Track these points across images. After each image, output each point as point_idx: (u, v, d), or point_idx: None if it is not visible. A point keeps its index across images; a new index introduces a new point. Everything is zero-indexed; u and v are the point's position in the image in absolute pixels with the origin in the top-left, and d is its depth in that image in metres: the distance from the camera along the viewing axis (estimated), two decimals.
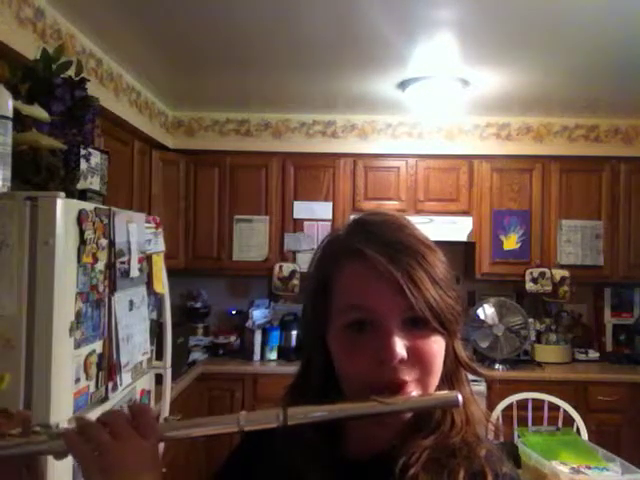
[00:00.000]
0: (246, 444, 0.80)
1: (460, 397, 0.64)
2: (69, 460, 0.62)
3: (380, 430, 0.68)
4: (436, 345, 0.66)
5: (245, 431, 0.63)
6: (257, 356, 3.72)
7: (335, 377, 0.68)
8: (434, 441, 0.67)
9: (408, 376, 0.64)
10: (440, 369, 0.68)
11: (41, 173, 1.60)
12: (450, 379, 0.71)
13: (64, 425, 0.68)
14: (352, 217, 0.74)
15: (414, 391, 0.65)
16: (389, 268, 0.63)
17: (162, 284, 2.20)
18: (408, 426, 0.67)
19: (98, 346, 1.62)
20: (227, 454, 0.83)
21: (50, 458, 0.64)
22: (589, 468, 2.02)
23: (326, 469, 0.68)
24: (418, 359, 0.65)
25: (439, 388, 0.69)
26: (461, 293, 0.71)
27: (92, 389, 1.58)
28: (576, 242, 3.77)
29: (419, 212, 3.79)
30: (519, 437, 2.35)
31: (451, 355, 0.71)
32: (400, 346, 0.63)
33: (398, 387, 0.64)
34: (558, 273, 3.71)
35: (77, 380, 1.50)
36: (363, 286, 0.65)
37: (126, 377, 1.81)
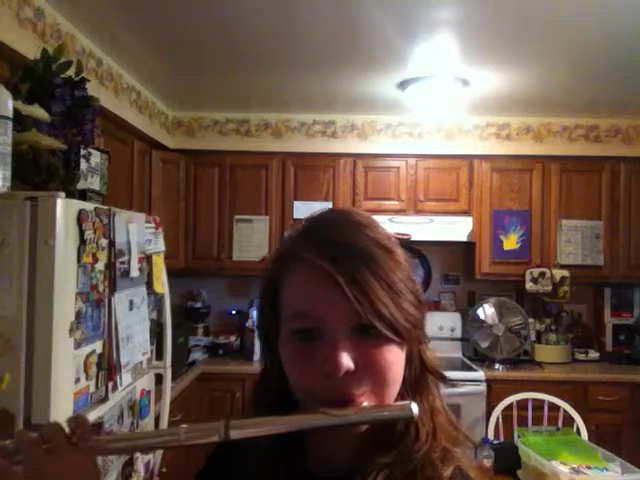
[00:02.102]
0: (222, 449, 0.78)
1: (415, 408, 0.60)
2: None
3: (338, 444, 0.65)
4: (390, 354, 0.61)
5: (184, 446, 0.60)
6: (257, 356, 3.71)
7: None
8: (394, 458, 0.62)
9: (357, 389, 0.60)
10: (397, 379, 0.63)
11: (41, 173, 1.60)
12: (415, 388, 0.66)
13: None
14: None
15: (366, 402, 0.60)
16: (332, 273, 0.58)
17: (162, 284, 2.20)
18: (367, 440, 0.63)
19: (98, 346, 1.62)
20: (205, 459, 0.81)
21: None
22: (589, 468, 2.02)
23: None
24: (369, 370, 0.60)
25: (402, 398, 0.64)
26: (424, 297, 0.66)
27: (92, 389, 1.58)
28: (576, 242, 3.77)
29: (419, 212, 3.79)
30: (519, 437, 2.35)
31: (416, 362, 0.66)
32: (346, 357, 0.58)
33: (347, 402, 0.60)
34: (558, 273, 3.71)
35: (77, 380, 1.50)
36: (307, 293, 0.61)
37: (126, 377, 1.81)
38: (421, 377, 0.67)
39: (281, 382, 0.66)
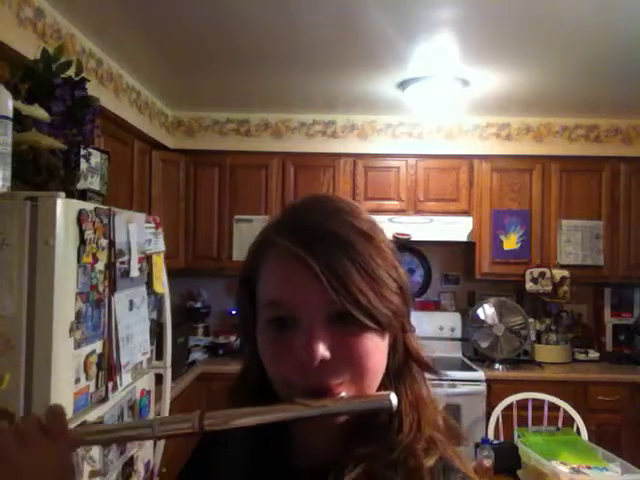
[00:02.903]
0: (205, 442, 0.77)
1: (394, 399, 0.58)
2: None
3: (319, 436, 0.63)
4: (368, 342, 0.59)
5: (158, 437, 0.59)
6: None
7: None
8: (375, 450, 0.60)
9: (334, 379, 0.58)
10: (377, 368, 0.61)
11: (41, 173, 1.60)
12: (399, 377, 0.64)
13: None
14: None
15: (343, 393, 0.59)
16: (307, 259, 0.56)
17: (162, 284, 2.20)
18: (349, 431, 0.61)
19: (98, 346, 1.62)
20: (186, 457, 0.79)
21: None
22: (589, 468, 2.02)
23: (273, 478, 0.65)
24: (346, 358, 0.58)
25: (385, 388, 0.62)
26: (408, 284, 0.64)
27: (92, 389, 1.58)
28: (576, 242, 3.77)
29: (419, 212, 3.79)
30: (519, 437, 2.35)
31: (400, 351, 0.64)
32: (321, 346, 0.57)
33: (323, 392, 0.58)
34: (558, 273, 3.71)
35: (77, 380, 1.50)
36: (282, 280, 0.59)
37: (126, 377, 1.81)
38: (405, 366, 0.65)
39: (261, 376, 0.64)
